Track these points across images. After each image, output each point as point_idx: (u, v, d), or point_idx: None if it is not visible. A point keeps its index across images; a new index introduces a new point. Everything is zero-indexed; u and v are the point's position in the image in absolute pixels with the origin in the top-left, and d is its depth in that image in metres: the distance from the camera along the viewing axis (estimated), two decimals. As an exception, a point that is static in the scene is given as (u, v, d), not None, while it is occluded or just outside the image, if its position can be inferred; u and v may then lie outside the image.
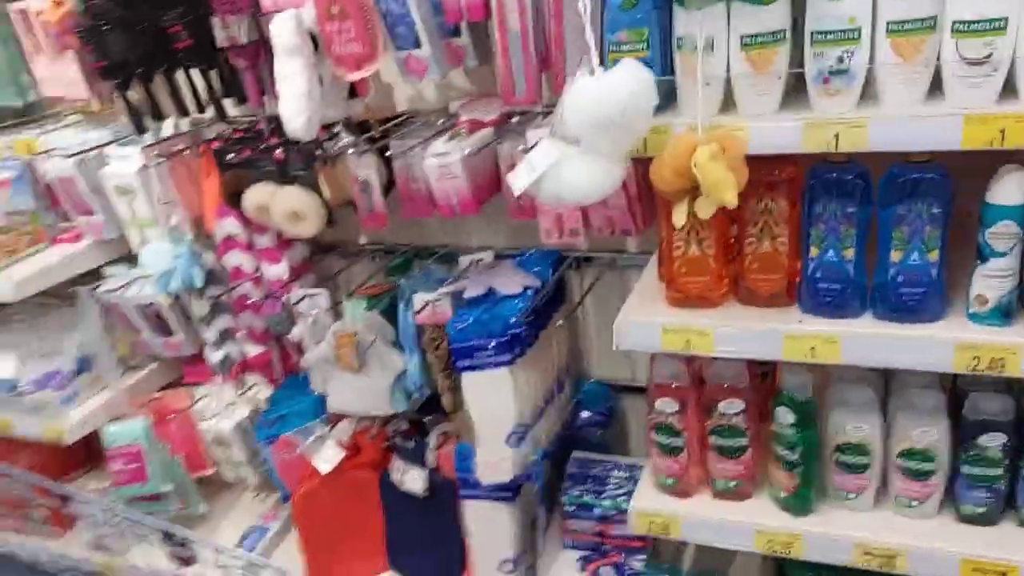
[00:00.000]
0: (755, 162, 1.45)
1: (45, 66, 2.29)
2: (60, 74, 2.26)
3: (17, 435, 2.43)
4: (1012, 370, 1.39)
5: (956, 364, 1.41)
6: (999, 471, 1.56)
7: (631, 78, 1.30)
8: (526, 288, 1.99)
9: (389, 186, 2.07)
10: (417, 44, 1.79)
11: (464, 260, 2.20)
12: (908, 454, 1.60)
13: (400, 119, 2.11)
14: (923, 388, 1.60)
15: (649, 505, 1.80)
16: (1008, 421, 1.54)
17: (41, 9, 2.14)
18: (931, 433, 1.58)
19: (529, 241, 2.09)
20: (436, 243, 2.32)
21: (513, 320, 1.87)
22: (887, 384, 1.67)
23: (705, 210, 1.36)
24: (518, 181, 1.40)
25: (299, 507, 2.29)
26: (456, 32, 1.83)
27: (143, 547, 2.49)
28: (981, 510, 1.60)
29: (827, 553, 1.66)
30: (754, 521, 1.71)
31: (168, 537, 2.41)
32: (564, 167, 1.37)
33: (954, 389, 1.63)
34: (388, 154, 1.99)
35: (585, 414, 2.27)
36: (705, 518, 1.75)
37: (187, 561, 2.45)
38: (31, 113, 2.68)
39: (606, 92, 1.29)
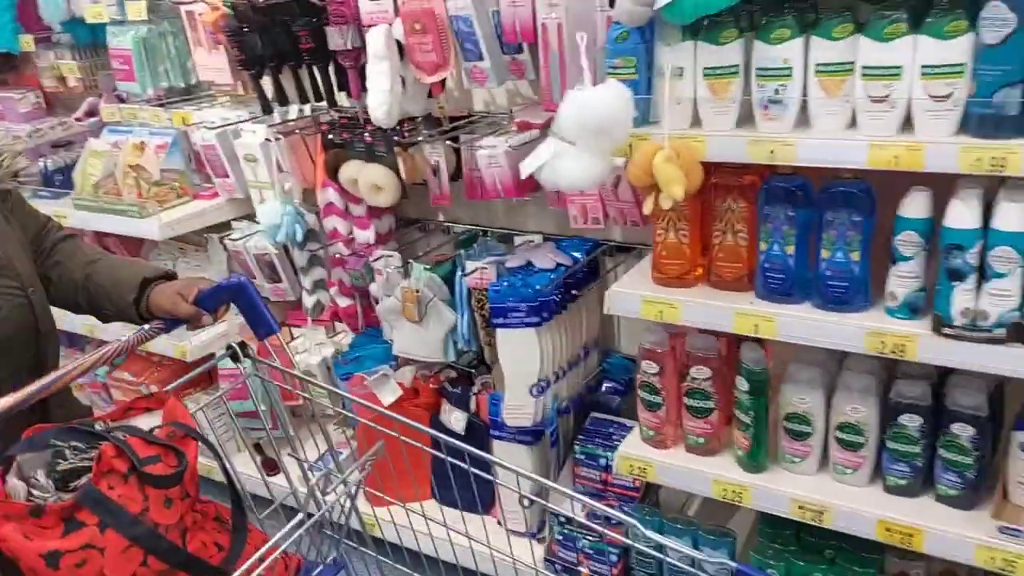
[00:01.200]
0: (723, 170, 1.80)
1: (203, 56, 2.86)
2: (213, 63, 2.83)
3: (155, 351, 3.02)
4: (911, 355, 1.68)
5: (867, 346, 1.71)
6: (917, 449, 1.83)
7: (611, 94, 1.68)
8: (559, 265, 2.39)
9: (457, 173, 2.51)
10: (480, 57, 2.22)
11: (518, 240, 2.62)
12: (842, 427, 1.90)
13: (472, 117, 2.55)
14: (860, 372, 1.90)
15: (632, 452, 2.16)
16: (926, 406, 1.81)
17: (202, 11, 2.71)
18: (860, 410, 1.87)
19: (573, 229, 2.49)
20: (498, 225, 2.75)
21: (540, 287, 2.27)
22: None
23: (665, 202, 1.72)
24: (526, 167, 1.81)
25: (362, 435, 2.75)
26: (520, 50, 2.24)
27: (240, 455, 3.02)
28: (903, 483, 1.88)
29: (769, 503, 1.98)
30: (714, 472, 2.05)
31: (258, 448, 2.92)
32: (560, 160, 1.76)
33: (892, 376, 1.91)
34: (456, 145, 2.43)
35: (608, 383, 2.63)
36: (674, 465, 2.09)
37: (273, 469, 2.96)
38: (193, 92, 3.28)
39: (589, 103, 1.67)
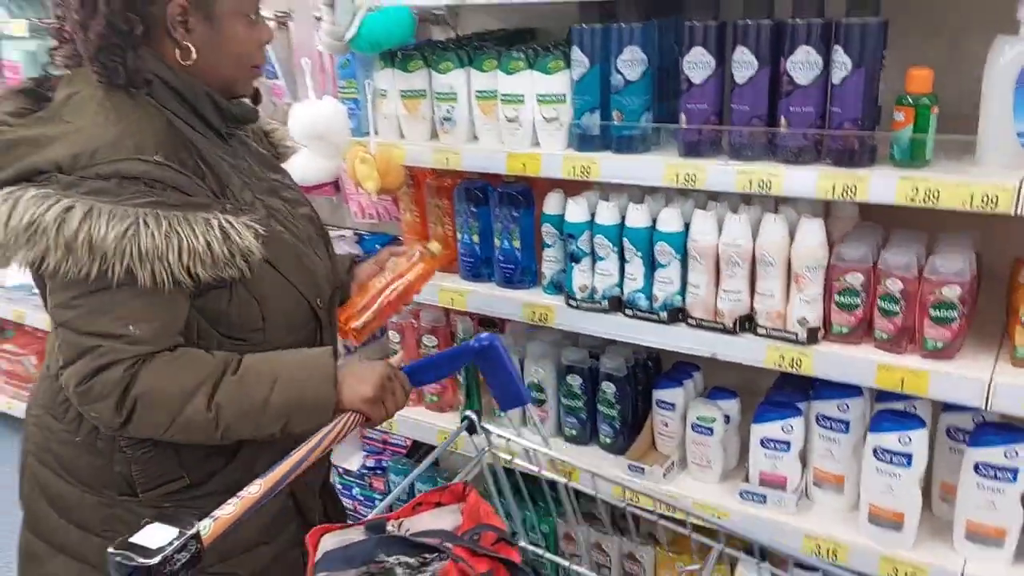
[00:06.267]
0: (433, 174, 2.25)
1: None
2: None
3: (41, 327, 3.44)
4: (552, 322, 2.12)
5: (524, 316, 2.16)
6: (581, 404, 2.27)
7: (328, 108, 2.13)
8: (354, 255, 2.83)
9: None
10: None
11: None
12: (532, 387, 2.33)
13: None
14: (544, 342, 2.33)
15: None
16: (585, 367, 2.24)
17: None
18: (540, 372, 2.31)
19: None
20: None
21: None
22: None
23: (370, 192, 2.16)
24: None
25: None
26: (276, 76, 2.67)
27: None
28: (575, 432, 2.31)
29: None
30: (442, 425, 2.47)
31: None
32: (294, 158, 2.21)
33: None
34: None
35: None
36: (416, 420, 2.52)
37: None
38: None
39: (309, 115, 2.12)
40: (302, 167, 2.18)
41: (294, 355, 1.39)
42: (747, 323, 1.86)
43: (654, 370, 2.32)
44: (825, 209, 1.88)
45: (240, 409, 1.31)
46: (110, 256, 1.21)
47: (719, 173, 1.74)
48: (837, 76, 1.61)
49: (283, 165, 1.74)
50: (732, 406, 2.09)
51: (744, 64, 1.68)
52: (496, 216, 2.17)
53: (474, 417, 1.38)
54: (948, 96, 1.61)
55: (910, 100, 1.57)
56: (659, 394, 2.17)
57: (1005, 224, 1.61)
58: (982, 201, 1.50)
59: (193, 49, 1.36)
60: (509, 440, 1.46)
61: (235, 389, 1.30)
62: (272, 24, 2.16)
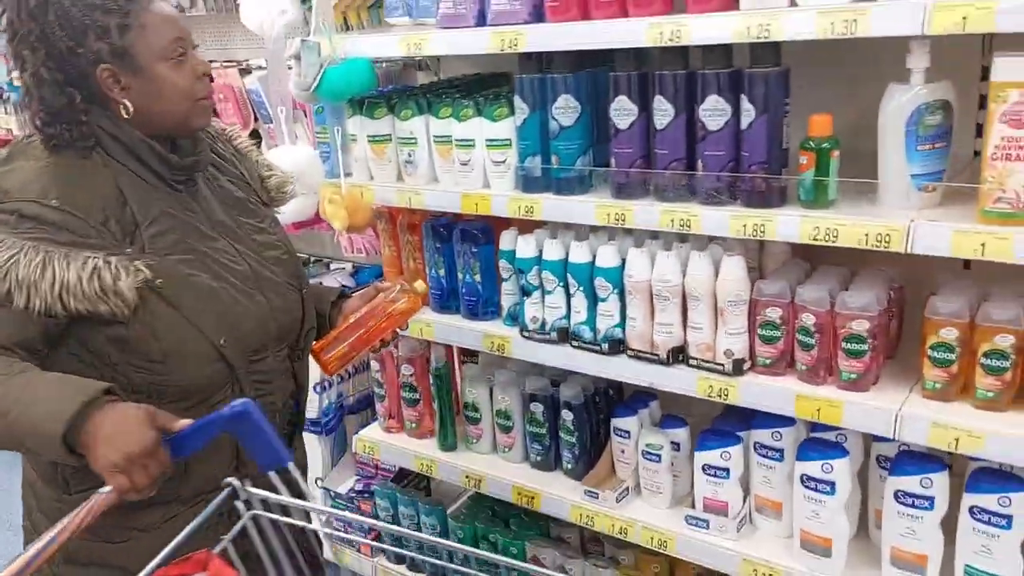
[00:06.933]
0: (405, 212, 2.40)
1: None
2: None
3: None
4: (509, 353, 2.23)
5: (484, 346, 2.27)
6: (544, 431, 2.37)
7: (301, 153, 2.31)
8: (343, 286, 2.98)
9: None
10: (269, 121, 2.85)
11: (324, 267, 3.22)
12: (498, 413, 2.44)
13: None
14: (512, 371, 2.44)
15: (366, 435, 2.72)
16: (546, 395, 2.34)
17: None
18: (506, 400, 2.42)
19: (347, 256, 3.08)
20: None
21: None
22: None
23: (339, 230, 2.31)
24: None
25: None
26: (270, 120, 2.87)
27: None
28: (540, 458, 2.41)
29: (448, 475, 2.51)
30: (415, 450, 2.59)
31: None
32: (274, 200, 2.37)
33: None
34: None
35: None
36: (393, 445, 2.65)
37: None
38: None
39: (283, 159, 2.28)
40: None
41: (60, 382, 1.38)
42: (680, 354, 1.95)
43: (615, 398, 2.41)
44: (760, 245, 1.96)
45: None
46: None
47: (645, 213, 1.84)
48: (744, 122, 1.70)
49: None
50: (681, 434, 2.17)
51: (662, 112, 1.79)
52: (458, 252, 2.29)
53: (236, 484, 1.32)
54: (864, 138, 1.69)
55: (812, 144, 1.66)
56: (616, 422, 2.26)
57: (926, 260, 1.67)
58: (876, 240, 1.57)
59: (130, 105, 1.52)
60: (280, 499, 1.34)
61: None
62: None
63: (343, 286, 2.31)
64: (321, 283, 2.52)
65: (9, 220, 1.44)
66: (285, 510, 1.33)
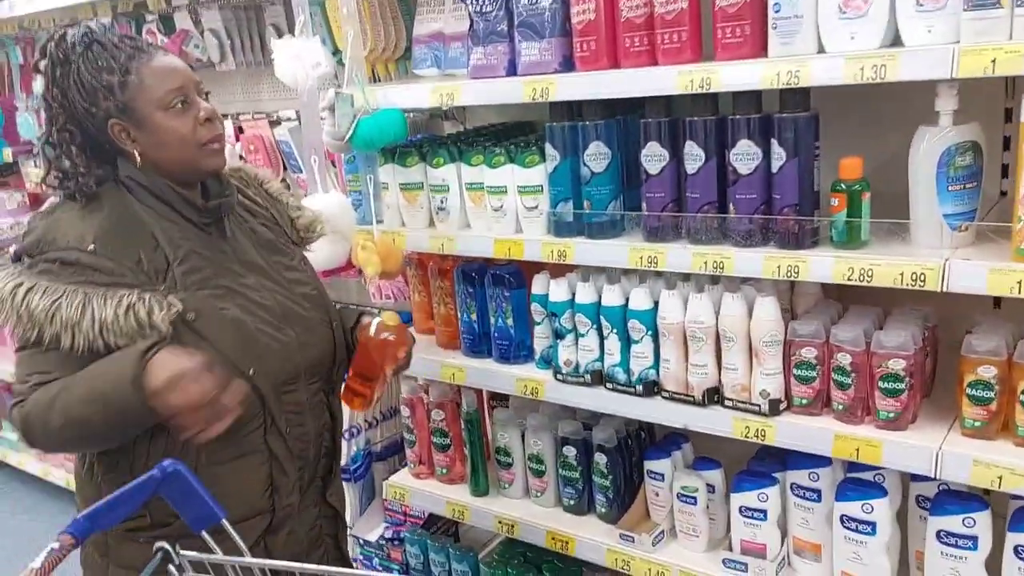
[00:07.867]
0: (436, 258, 2.43)
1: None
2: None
3: None
4: (543, 396, 2.24)
5: (517, 390, 2.29)
6: (577, 474, 2.37)
7: (334, 200, 2.34)
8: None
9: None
10: (299, 171, 2.90)
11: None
12: (531, 458, 2.45)
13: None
14: (544, 414, 2.45)
15: (396, 481, 2.72)
16: (579, 439, 2.35)
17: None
18: (539, 443, 2.42)
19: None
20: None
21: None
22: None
23: (371, 276, 2.34)
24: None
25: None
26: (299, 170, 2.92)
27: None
28: (572, 503, 2.40)
29: (480, 520, 2.51)
30: (445, 495, 2.60)
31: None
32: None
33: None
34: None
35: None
36: (423, 491, 2.65)
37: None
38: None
39: (316, 206, 2.32)
40: (317, 253, 2.38)
41: (110, 358, 1.54)
42: (715, 395, 1.96)
43: (648, 440, 2.42)
44: (791, 286, 1.98)
45: (77, 396, 1.51)
46: (40, 323, 1.51)
47: (677, 256, 1.87)
48: (775, 165, 1.73)
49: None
50: (715, 476, 2.17)
51: (693, 156, 1.82)
52: (490, 296, 2.32)
53: (168, 547, 1.31)
54: (896, 181, 1.71)
55: (843, 186, 1.68)
56: (649, 464, 2.26)
57: (955, 299, 1.68)
58: (911, 279, 1.59)
59: (137, 155, 1.63)
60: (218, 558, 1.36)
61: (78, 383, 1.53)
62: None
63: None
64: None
65: (52, 268, 1.57)
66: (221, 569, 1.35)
